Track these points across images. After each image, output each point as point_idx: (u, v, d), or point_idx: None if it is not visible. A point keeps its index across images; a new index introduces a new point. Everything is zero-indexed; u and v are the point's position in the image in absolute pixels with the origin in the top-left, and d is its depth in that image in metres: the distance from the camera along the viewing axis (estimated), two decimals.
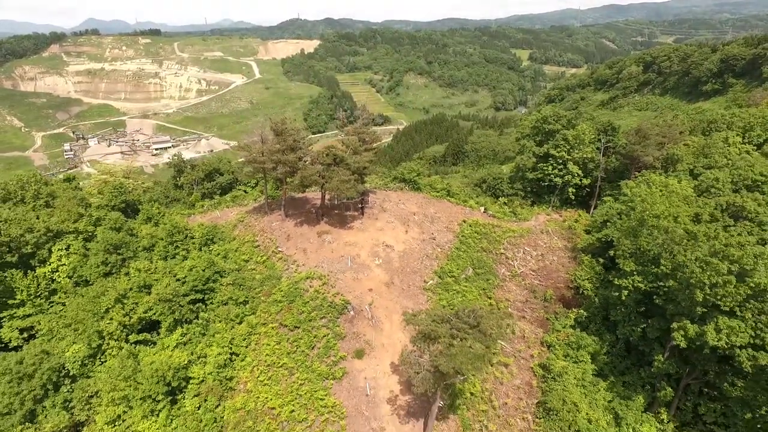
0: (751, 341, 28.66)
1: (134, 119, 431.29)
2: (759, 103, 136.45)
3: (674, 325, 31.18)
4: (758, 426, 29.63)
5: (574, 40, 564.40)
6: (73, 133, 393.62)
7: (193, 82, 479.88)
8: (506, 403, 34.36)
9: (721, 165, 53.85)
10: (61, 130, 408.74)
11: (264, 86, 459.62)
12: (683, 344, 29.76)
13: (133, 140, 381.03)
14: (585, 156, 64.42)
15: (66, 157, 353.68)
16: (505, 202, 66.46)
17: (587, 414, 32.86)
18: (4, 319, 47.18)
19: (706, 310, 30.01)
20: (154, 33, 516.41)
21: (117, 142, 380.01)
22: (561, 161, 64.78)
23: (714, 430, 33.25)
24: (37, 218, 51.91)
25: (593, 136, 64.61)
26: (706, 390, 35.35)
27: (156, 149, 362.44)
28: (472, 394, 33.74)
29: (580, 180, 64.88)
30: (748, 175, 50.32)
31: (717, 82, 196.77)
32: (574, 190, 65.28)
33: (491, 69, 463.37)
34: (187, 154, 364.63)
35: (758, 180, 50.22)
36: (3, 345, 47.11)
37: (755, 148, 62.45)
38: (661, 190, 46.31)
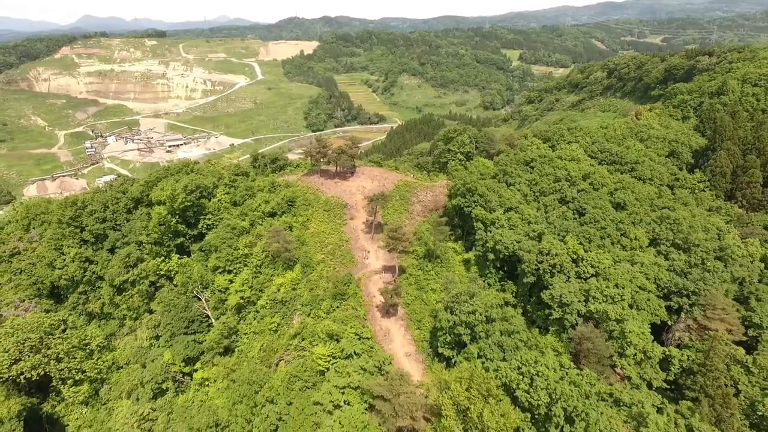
0: (468, 205, 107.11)
1: (147, 119, 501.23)
2: (629, 113, 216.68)
3: (456, 199, 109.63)
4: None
5: (564, 40, 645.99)
6: (93, 131, 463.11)
7: (198, 83, 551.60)
8: (401, 228, 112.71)
9: (516, 152, 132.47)
10: (80, 128, 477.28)
11: (266, 87, 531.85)
12: (450, 205, 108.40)
13: (148, 138, 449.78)
14: (467, 150, 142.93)
15: (87, 153, 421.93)
16: (427, 174, 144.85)
17: (429, 236, 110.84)
18: (200, 221, 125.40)
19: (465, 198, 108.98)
20: (160, 35, 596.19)
21: (133, 140, 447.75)
22: (454, 152, 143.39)
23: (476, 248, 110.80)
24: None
25: (469, 140, 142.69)
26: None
27: (169, 146, 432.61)
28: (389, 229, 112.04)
29: (466, 163, 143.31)
30: (522, 158, 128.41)
31: (661, 88, 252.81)
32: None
33: (481, 69, 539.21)
34: (198, 151, 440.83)
35: (528, 159, 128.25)
36: (198, 232, 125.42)
37: (551, 147, 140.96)
38: (477, 165, 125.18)
